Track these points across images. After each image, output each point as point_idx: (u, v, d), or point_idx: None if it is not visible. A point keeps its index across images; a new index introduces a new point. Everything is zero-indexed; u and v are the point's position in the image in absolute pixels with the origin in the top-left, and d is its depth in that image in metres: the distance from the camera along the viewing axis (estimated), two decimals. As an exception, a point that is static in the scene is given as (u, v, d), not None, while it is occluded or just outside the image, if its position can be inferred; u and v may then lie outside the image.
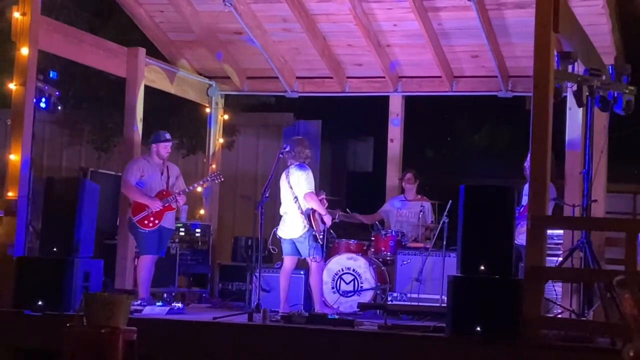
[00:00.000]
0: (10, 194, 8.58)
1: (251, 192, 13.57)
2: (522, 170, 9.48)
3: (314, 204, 9.33)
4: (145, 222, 9.66)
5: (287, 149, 9.50)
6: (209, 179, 10.63)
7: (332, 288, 10.04)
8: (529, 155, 9.28)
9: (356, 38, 10.77)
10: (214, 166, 12.00)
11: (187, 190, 10.00)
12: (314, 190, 9.43)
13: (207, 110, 12.15)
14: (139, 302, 9.09)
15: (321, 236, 9.34)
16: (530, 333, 6.93)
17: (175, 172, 10.11)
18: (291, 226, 9.40)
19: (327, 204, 9.68)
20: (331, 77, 11.55)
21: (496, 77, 10.85)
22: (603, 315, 7.52)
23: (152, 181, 9.82)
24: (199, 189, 10.97)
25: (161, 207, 9.68)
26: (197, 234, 11.45)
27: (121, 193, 10.10)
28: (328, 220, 9.44)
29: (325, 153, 14.97)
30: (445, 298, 8.04)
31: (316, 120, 15.18)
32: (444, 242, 9.90)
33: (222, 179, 10.52)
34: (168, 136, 10.05)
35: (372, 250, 10.73)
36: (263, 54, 11.12)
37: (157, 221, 9.67)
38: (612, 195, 11.51)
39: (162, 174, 9.92)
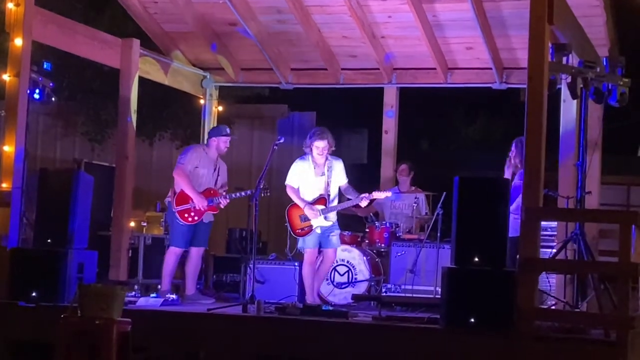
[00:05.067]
0: (4, 185, 8.57)
1: (245, 183, 13.57)
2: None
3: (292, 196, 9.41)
4: (186, 215, 9.55)
5: (281, 140, 9.46)
6: (256, 191, 9.59)
7: (327, 279, 10.04)
8: (512, 145, 9.37)
9: (351, 30, 10.76)
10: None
11: (233, 196, 9.80)
12: (289, 182, 9.41)
13: (202, 101, 12.13)
14: (133, 293, 9.09)
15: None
16: (524, 324, 6.94)
17: (224, 172, 9.94)
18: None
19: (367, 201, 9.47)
20: (325, 69, 11.54)
21: (490, 69, 10.86)
22: (597, 307, 7.54)
23: (204, 176, 9.68)
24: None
25: (206, 207, 9.58)
26: (192, 226, 11.42)
27: (174, 177, 9.66)
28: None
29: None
30: (439, 289, 8.05)
31: (310, 112, 15.19)
32: (438, 234, 9.93)
33: (269, 194, 9.71)
34: (229, 131, 9.96)
35: (367, 241, 10.75)
36: (257, 46, 11.12)
37: (197, 217, 9.58)
38: (606, 187, 11.53)
39: (214, 170, 9.80)
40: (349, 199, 9.54)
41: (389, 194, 9.59)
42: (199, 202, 9.51)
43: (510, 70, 10.97)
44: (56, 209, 8.48)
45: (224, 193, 9.78)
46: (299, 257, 9.84)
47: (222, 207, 9.80)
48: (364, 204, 9.39)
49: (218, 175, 9.82)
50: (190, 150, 9.85)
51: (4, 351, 8.08)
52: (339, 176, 9.42)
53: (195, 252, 9.75)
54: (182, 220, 9.54)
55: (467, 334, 7.14)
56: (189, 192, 9.51)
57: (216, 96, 12.19)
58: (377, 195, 9.39)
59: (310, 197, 9.37)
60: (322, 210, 9.28)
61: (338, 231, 9.48)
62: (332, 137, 9.37)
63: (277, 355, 7.65)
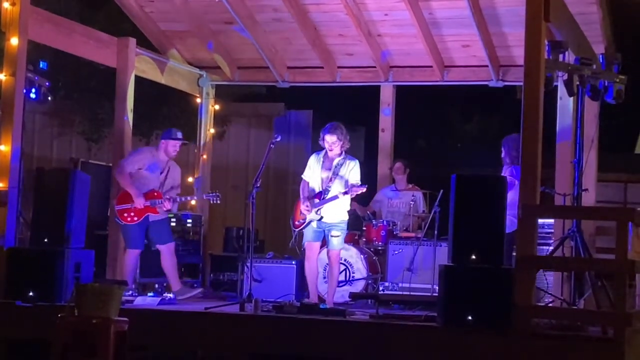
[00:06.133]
0: (0, 184, 8.56)
1: (242, 182, 13.61)
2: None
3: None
4: (125, 214, 9.59)
5: (278, 139, 9.43)
6: (205, 197, 10.29)
7: (324, 278, 10.04)
8: (502, 144, 9.41)
9: (347, 28, 10.76)
10: (204, 156, 11.97)
11: (178, 199, 9.84)
12: (303, 175, 9.41)
13: (198, 100, 12.12)
14: (129, 292, 9.08)
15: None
16: (522, 322, 6.95)
17: (175, 175, 9.93)
18: None
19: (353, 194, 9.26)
20: (322, 67, 11.54)
21: (487, 66, 10.86)
22: (594, 304, 7.55)
23: (148, 177, 9.70)
24: (193, 202, 10.94)
25: (143, 206, 9.58)
26: (189, 225, 11.43)
27: (113, 177, 9.93)
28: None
29: (316, 143, 14.97)
30: (437, 287, 8.05)
31: (307, 110, 15.18)
32: (436, 232, 9.92)
33: (219, 201, 10.11)
34: (180, 135, 9.92)
35: (364, 240, 10.74)
36: (254, 44, 11.11)
37: (136, 218, 9.58)
38: (602, 184, 11.54)
39: (161, 172, 9.79)
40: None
41: (363, 189, 9.36)
42: (137, 201, 9.54)
43: (506, 67, 10.97)
44: (53, 209, 8.48)
45: (174, 195, 9.78)
46: (295, 252, 9.83)
47: (165, 209, 9.76)
48: (344, 198, 9.27)
49: (166, 178, 9.80)
50: (136, 152, 9.92)
51: (2, 351, 8.07)
52: (347, 176, 9.24)
53: (166, 249, 9.74)
54: (121, 220, 9.59)
55: (464, 331, 7.14)
56: (129, 190, 9.56)
57: (213, 95, 12.18)
58: (355, 190, 9.27)
59: (312, 192, 9.32)
60: (314, 204, 9.26)
61: (340, 232, 9.25)
62: (345, 134, 9.25)
63: (274, 353, 7.65)
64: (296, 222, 9.38)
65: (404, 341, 7.32)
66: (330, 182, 9.26)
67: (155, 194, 9.69)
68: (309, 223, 9.26)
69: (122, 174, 9.67)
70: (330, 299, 9.27)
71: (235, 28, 11.00)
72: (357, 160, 9.34)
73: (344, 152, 9.30)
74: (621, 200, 14.77)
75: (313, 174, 9.36)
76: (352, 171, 9.26)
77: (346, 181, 9.22)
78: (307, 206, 9.23)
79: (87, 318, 6.99)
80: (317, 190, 9.30)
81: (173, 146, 9.82)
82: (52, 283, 8.23)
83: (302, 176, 9.45)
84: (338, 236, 9.24)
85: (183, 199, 10.01)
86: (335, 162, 9.27)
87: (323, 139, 9.27)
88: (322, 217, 9.19)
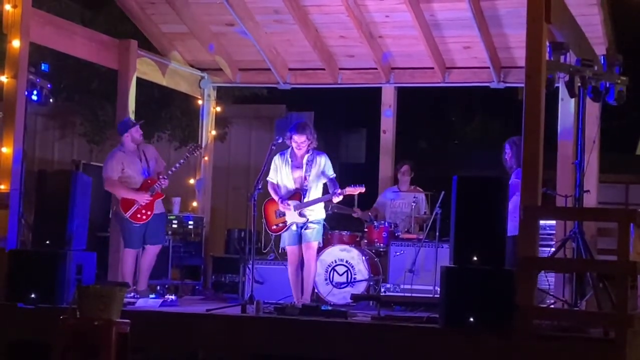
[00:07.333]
0: (2, 187, 8.56)
1: (243, 183, 13.60)
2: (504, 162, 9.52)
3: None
4: (138, 215, 9.59)
5: (279, 140, 9.43)
6: (188, 155, 10.35)
7: (325, 279, 10.04)
8: (506, 146, 9.38)
9: (348, 29, 10.75)
10: (206, 158, 11.96)
11: (169, 172, 9.88)
12: (269, 178, 9.37)
13: (199, 102, 12.12)
14: (132, 294, 9.09)
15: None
16: (523, 323, 6.95)
17: (153, 154, 9.98)
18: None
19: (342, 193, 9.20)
20: (323, 69, 11.53)
21: (488, 68, 10.86)
22: (595, 306, 7.55)
23: (135, 172, 9.72)
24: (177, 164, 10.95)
25: (150, 199, 9.64)
26: (190, 226, 11.44)
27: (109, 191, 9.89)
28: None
29: (317, 144, 14.96)
30: (438, 289, 8.05)
31: (308, 112, 15.18)
32: (437, 233, 9.92)
33: (202, 149, 10.24)
34: (134, 119, 10.01)
35: (365, 241, 10.73)
36: (255, 46, 11.11)
37: (149, 212, 9.63)
38: (604, 186, 11.55)
39: (140, 160, 9.83)
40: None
41: (362, 189, 9.38)
42: (142, 198, 9.58)
43: (508, 69, 10.97)
44: (54, 211, 8.48)
45: (162, 170, 9.88)
46: (281, 256, 9.83)
47: (166, 187, 9.80)
48: (336, 200, 9.27)
49: (147, 161, 9.86)
50: (108, 160, 9.85)
51: (3, 353, 8.08)
52: (322, 170, 9.26)
53: (152, 250, 9.78)
54: (137, 222, 9.59)
55: (466, 333, 7.14)
56: (127, 195, 9.59)
57: (214, 96, 12.18)
58: (350, 191, 9.26)
59: (285, 192, 9.31)
60: (295, 205, 9.24)
61: (318, 226, 9.27)
62: (313, 133, 9.27)
63: (276, 355, 7.65)
64: (273, 227, 9.34)
65: (405, 342, 7.32)
66: (306, 180, 9.25)
67: (149, 181, 9.72)
68: (290, 226, 9.26)
69: (113, 184, 9.68)
70: (307, 296, 9.25)
71: (236, 30, 11.00)
72: (325, 154, 9.37)
73: (311, 149, 9.29)
74: (623, 202, 14.81)
75: (282, 175, 9.33)
76: (326, 165, 9.29)
77: (323, 172, 9.24)
78: (286, 205, 9.18)
79: (89, 320, 7.00)
80: (287, 191, 9.29)
81: (136, 132, 9.86)
82: (53, 285, 8.24)
83: (269, 179, 9.36)
84: (314, 228, 9.24)
85: (174, 168, 9.98)
86: (305, 160, 9.27)
87: (291, 138, 9.23)
88: (307, 219, 9.20)
